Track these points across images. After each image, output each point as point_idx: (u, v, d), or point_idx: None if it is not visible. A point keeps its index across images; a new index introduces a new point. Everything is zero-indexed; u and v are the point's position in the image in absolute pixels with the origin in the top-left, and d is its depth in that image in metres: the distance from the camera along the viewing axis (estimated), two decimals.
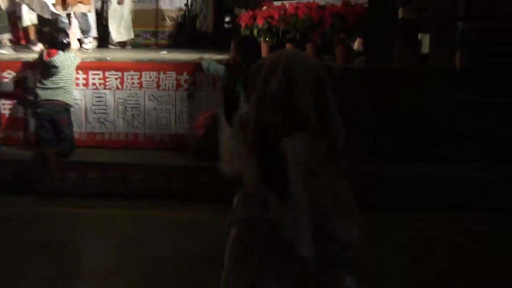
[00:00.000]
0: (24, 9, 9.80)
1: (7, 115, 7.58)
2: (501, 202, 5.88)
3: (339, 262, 3.36)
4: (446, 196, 6.02)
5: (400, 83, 6.86)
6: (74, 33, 9.11)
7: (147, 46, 11.58)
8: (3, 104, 7.53)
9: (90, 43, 9.34)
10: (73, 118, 7.22)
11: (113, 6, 10.92)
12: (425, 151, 6.48)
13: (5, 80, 7.45)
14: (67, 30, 8.44)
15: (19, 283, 4.49)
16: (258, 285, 3.27)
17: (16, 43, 9.92)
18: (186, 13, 12.05)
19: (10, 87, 7.41)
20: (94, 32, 10.27)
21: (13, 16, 9.93)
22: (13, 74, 7.52)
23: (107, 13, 11.00)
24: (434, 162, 6.42)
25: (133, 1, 11.29)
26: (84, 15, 9.30)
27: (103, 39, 10.81)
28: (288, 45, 7.68)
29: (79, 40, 9.39)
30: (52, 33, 7.51)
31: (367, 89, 6.77)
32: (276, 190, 3.05)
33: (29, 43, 9.88)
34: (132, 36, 11.13)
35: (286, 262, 3.04)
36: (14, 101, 7.56)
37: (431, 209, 5.84)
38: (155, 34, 12.14)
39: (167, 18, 12.37)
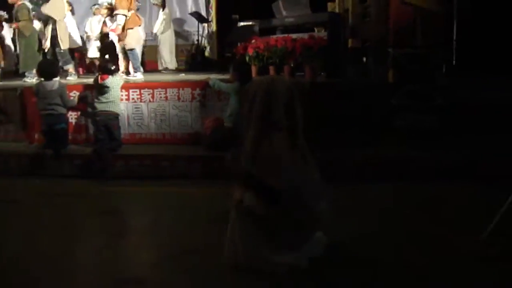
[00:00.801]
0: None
1: (73, 123, 7.63)
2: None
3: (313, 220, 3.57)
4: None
5: (350, 92, 6.94)
6: (122, 61, 9.03)
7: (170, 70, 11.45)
8: (71, 114, 7.54)
9: (140, 74, 8.94)
10: (120, 124, 7.26)
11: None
12: (366, 141, 6.53)
13: (72, 97, 7.46)
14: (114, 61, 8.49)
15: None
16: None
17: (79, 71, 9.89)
18: (198, 46, 12.10)
19: (76, 103, 7.44)
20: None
21: (76, 50, 9.90)
22: (77, 93, 7.57)
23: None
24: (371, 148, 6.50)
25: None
26: (133, 50, 9.08)
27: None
28: (270, 67, 7.73)
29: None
30: (103, 62, 7.55)
31: (326, 97, 6.84)
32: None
33: (87, 71, 9.87)
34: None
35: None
36: (79, 112, 7.60)
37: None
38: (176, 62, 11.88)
39: (184, 50, 12.44)
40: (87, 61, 11.38)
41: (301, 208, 3.55)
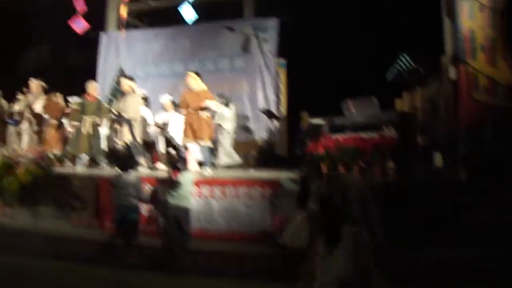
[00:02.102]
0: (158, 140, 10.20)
1: (145, 214, 7.81)
2: None
3: None
4: None
5: (420, 190, 6.92)
6: (192, 158, 9.08)
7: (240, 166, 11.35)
8: (143, 206, 7.71)
9: (209, 170, 8.98)
10: (190, 218, 7.34)
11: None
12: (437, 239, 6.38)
13: (144, 189, 7.66)
14: (185, 156, 8.85)
15: None
16: None
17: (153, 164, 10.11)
18: (268, 143, 12.24)
19: (148, 195, 7.63)
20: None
21: (149, 144, 10.27)
22: (150, 186, 7.79)
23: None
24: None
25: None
26: (204, 147, 9.17)
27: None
28: (340, 167, 7.68)
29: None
30: (175, 160, 7.77)
31: (397, 196, 6.79)
32: None
33: (159, 165, 10.10)
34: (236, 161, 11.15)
35: None
36: (150, 204, 7.77)
37: None
38: (246, 157, 11.78)
39: (254, 146, 12.38)
40: (160, 154, 11.67)
41: None
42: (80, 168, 9.77)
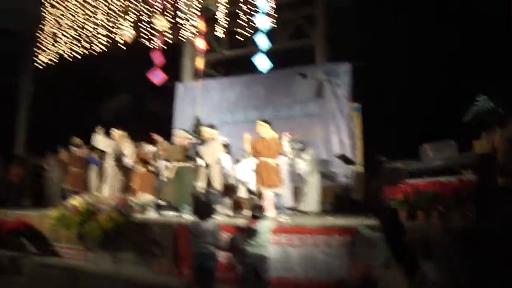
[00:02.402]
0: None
1: (223, 262, 7.84)
2: None
3: None
4: None
5: (503, 236, 6.55)
6: (269, 205, 9.10)
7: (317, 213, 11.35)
8: (221, 254, 7.73)
9: (286, 216, 9.11)
10: (268, 266, 7.28)
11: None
12: None
13: (223, 237, 7.67)
14: (262, 203, 8.77)
15: None
16: None
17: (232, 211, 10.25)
18: (344, 188, 12.14)
19: (227, 243, 7.67)
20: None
21: (229, 191, 10.41)
22: (228, 233, 7.84)
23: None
24: None
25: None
26: (277, 194, 9.25)
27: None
28: (419, 213, 7.55)
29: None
30: (253, 207, 7.82)
31: (479, 241, 6.54)
32: None
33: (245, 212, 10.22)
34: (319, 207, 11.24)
35: None
36: (228, 252, 7.79)
37: None
38: (323, 203, 11.73)
39: (330, 192, 12.23)
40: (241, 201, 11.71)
41: None
42: (169, 213, 10.03)
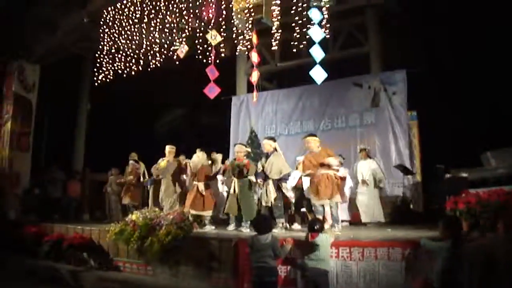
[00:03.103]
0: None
1: (283, 276, 7.80)
2: None
3: None
4: None
5: None
6: (328, 218, 9.02)
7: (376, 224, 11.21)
8: (280, 268, 7.72)
9: (339, 229, 9.09)
10: (328, 281, 7.27)
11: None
12: None
13: (282, 251, 7.50)
14: (320, 217, 8.75)
15: None
16: None
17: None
18: (403, 199, 11.97)
19: (285, 257, 7.62)
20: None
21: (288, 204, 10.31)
22: (287, 247, 7.67)
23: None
24: None
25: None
26: (336, 205, 9.22)
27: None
28: (481, 221, 7.33)
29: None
30: (312, 221, 7.76)
31: None
32: None
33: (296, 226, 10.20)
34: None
35: None
36: (289, 267, 7.78)
37: None
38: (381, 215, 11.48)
39: (388, 203, 12.11)
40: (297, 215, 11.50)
41: None
42: (228, 227, 10.04)
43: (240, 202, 9.90)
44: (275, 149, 9.87)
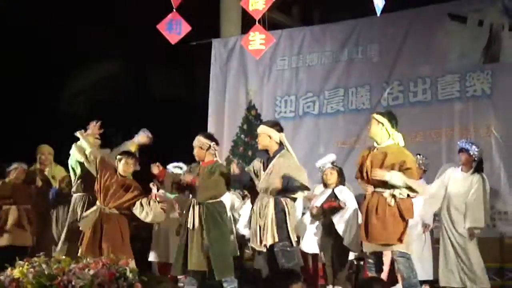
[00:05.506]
0: None
1: None
2: None
3: None
4: None
5: None
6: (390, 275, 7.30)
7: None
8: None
9: None
10: None
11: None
12: None
13: None
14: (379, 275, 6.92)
15: None
16: None
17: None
18: None
19: None
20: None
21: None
22: None
23: None
24: None
25: None
26: (406, 258, 8.25)
27: None
28: None
29: None
30: (365, 282, 6.46)
31: None
32: None
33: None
34: None
35: None
36: None
37: None
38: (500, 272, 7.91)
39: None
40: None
41: None
42: None
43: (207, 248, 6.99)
44: (281, 145, 6.80)
